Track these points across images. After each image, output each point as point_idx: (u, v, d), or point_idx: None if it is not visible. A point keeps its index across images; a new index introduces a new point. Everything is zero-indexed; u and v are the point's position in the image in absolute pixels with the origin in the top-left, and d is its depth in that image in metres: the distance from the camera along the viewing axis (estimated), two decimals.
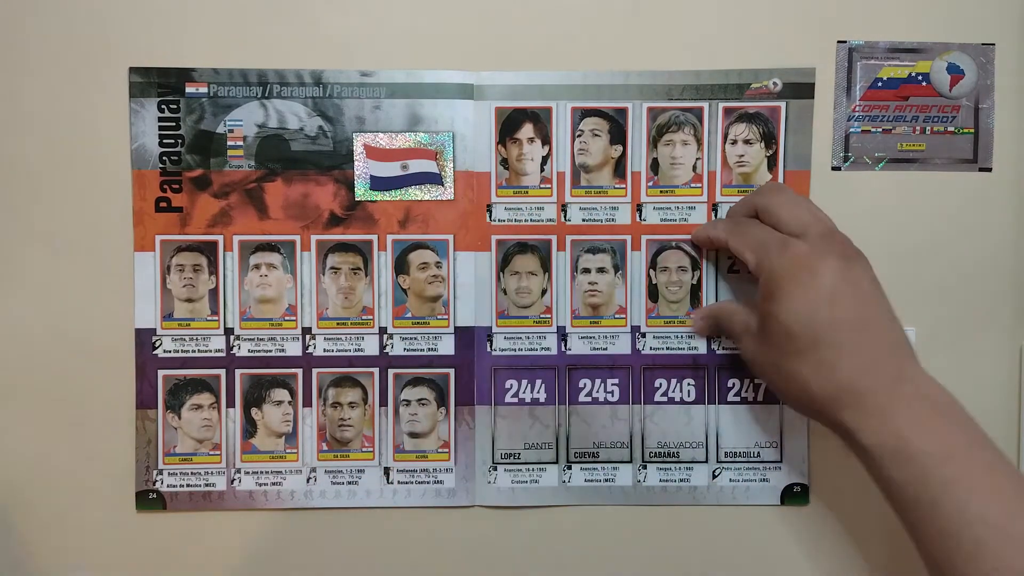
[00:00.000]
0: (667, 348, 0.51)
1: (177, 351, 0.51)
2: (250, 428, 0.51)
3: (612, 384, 0.51)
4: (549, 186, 0.51)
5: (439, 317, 0.51)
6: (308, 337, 0.51)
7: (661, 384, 0.51)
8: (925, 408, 0.40)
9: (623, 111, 0.51)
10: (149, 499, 0.51)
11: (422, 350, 0.51)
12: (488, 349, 0.51)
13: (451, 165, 0.51)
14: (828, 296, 0.41)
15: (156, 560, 0.51)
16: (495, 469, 0.51)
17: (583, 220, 0.51)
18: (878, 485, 0.41)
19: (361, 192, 0.51)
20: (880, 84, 0.51)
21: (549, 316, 0.51)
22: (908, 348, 0.42)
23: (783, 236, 0.43)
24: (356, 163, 0.51)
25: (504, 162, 0.51)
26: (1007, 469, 0.38)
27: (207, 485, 0.51)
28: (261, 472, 0.51)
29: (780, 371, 0.43)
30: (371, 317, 0.51)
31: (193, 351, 0.51)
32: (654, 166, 0.51)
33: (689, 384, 0.52)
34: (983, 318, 0.52)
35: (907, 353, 0.42)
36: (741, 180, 0.51)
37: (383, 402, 0.51)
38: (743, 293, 0.51)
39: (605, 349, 0.51)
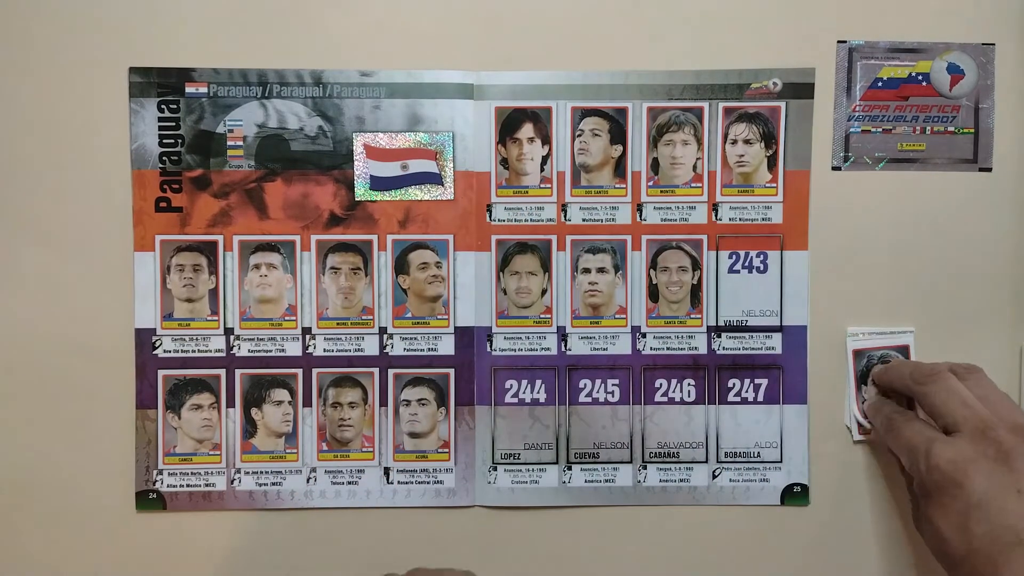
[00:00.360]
0: (667, 348, 0.51)
1: (177, 351, 0.51)
2: (250, 428, 0.51)
3: (612, 384, 0.51)
4: (549, 186, 0.51)
5: (439, 317, 0.51)
6: (308, 337, 0.51)
7: (661, 384, 0.51)
8: None
9: (623, 111, 0.51)
10: (149, 499, 0.51)
11: (422, 350, 0.51)
12: (488, 349, 0.51)
13: (451, 165, 0.51)
14: (978, 506, 0.39)
15: (156, 560, 0.51)
16: (495, 469, 0.51)
17: (583, 220, 0.51)
18: None
19: (361, 192, 0.51)
20: (880, 84, 0.51)
21: (549, 316, 0.51)
22: None
23: (929, 438, 0.42)
24: (356, 163, 0.51)
25: (504, 162, 0.51)
26: None
27: (207, 485, 0.51)
28: (261, 472, 0.51)
29: (937, 555, 0.43)
30: (371, 317, 0.51)
31: (193, 351, 0.51)
32: (654, 166, 0.51)
33: (689, 384, 0.52)
34: (983, 318, 0.52)
35: None
36: (741, 180, 0.51)
37: (383, 402, 0.51)
38: (750, 293, 0.51)
39: (605, 349, 0.51)
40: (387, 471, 0.51)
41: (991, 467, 0.40)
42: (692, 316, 0.51)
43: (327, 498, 0.51)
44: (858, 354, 0.51)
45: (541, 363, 0.51)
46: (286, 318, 0.51)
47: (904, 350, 0.51)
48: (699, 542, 0.52)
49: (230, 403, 0.51)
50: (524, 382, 0.51)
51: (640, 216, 0.51)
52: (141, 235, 0.50)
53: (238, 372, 0.51)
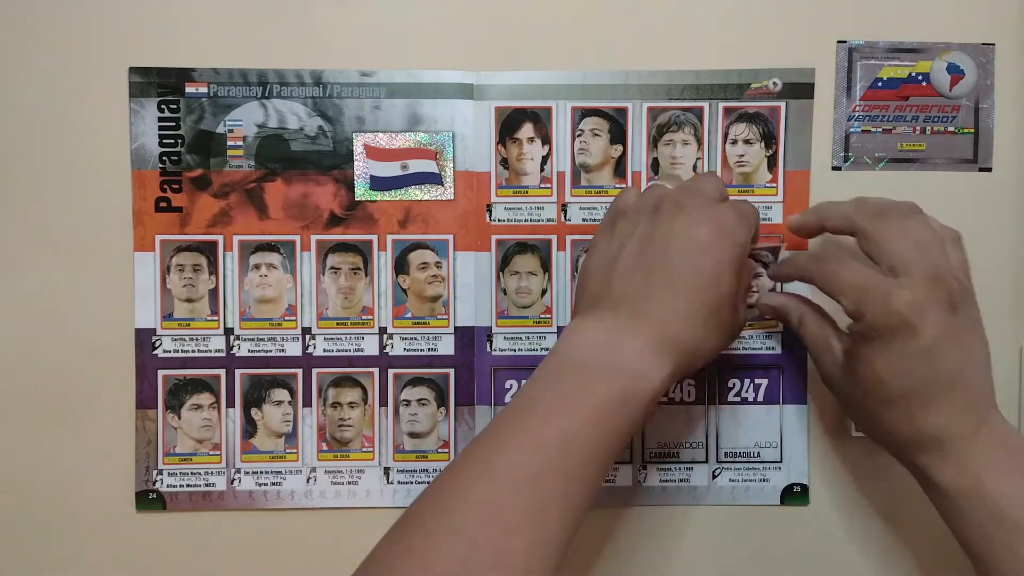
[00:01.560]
0: None
1: (177, 351, 0.51)
2: (250, 428, 0.51)
3: None
4: (549, 186, 0.51)
5: (439, 317, 0.51)
6: (308, 337, 0.51)
7: None
8: (1005, 455, 0.41)
9: (623, 111, 0.51)
10: (149, 499, 0.51)
11: (422, 350, 0.51)
12: (488, 349, 0.51)
13: (451, 165, 0.51)
14: (926, 353, 0.40)
15: (156, 560, 0.51)
16: None
17: (583, 220, 0.51)
18: (947, 520, 0.42)
19: (361, 192, 0.51)
20: (880, 84, 0.51)
21: (549, 316, 0.51)
22: (993, 397, 0.42)
23: (885, 282, 0.41)
24: (356, 163, 0.51)
25: (504, 162, 0.51)
26: None
27: (207, 485, 0.51)
28: (261, 472, 0.51)
29: (859, 409, 0.43)
30: (371, 317, 0.51)
31: (193, 351, 0.51)
32: (654, 166, 0.51)
33: (689, 384, 0.52)
34: (983, 318, 0.51)
35: (991, 402, 0.42)
36: (741, 180, 0.51)
37: (383, 402, 0.51)
38: None
39: None
40: (387, 471, 0.51)
41: (942, 315, 0.40)
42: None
43: (327, 498, 0.51)
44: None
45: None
46: (286, 318, 0.51)
47: None
48: (699, 542, 0.52)
49: (230, 403, 0.51)
50: (524, 382, 0.51)
51: None
52: (141, 235, 0.50)
53: (238, 372, 0.51)
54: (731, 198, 0.44)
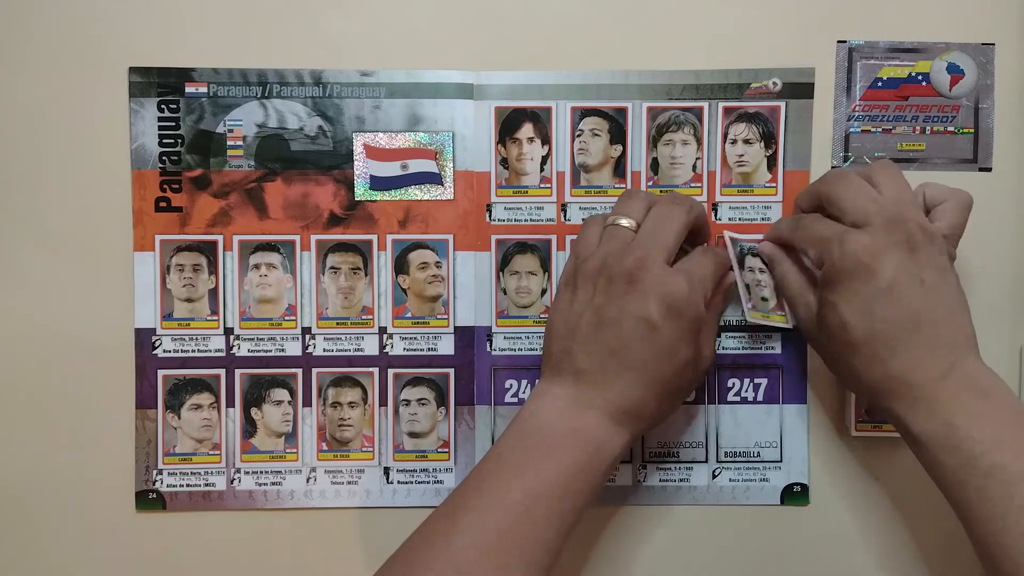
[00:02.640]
0: None
1: (177, 351, 0.51)
2: (250, 428, 0.51)
3: None
4: (549, 186, 0.51)
5: (439, 317, 0.51)
6: (308, 337, 0.51)
7: None
8: (975, 398, 0.40)
9: (623, 111, 0.51)
10: (149, 499, 0.51)
11: (422, 350, 0.51)
12: (488, 349, 0.51)
13: (451, 165, 0.51)
14: (885, 292, 0.41)
15: (156, 560, 0.51)
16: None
17: (583, 220, 0.51)
18: (927, 470, 0.42)
19: (361, 192, 0.51)
20: (880, 84, 0.51)
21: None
22: (965, 339, 0.42)
23: (843, 228, 0.43)
24: (356, 163, 0.51)
25: (504, 162, 0.51)
26: None
27: (207, 485, 0.51)
28: (261, 472, 0.51)
29: (834, 357, 0.44)
30: (371, 317, 0.51)
31: (193, 351, 0.51)
32: (654, 166, 0.51)
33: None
34: (983, 318, 0.51)
35: (963, 344, 0.42)
36: (741, 180, 0.51)
37: (383, 402, 0.51)
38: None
39: None
40: (387, 471, 0.51)
41: (900, 256, 0.41)
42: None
43: (327, 498, 0.51)
44: (733, 242, 0.50)
45: (541, 363, 0.51)
46: (286, 318, 0.51)
47: None
48: (699, 542, 0.52)
49: (230, 403, 0.51)
50: (524, 382, 0.51)
51: None
52: (141, 235, 0.50)
53: (238, 372, 0.51)
54: (688, 200, 0.46)
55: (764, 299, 0.50)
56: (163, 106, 0.50)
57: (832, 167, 0.51)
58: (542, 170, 0.51)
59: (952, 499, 0.41)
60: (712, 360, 0.46)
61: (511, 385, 0.51)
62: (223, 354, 0.51)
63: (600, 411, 0.42)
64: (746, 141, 0.51)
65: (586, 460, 0.41)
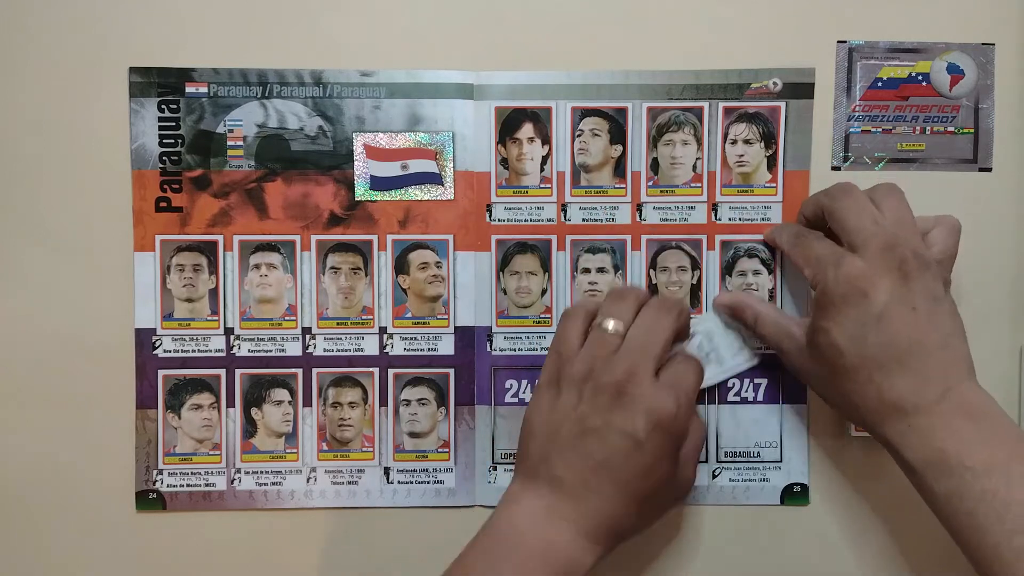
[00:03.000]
0: None
1: (177, 351, 0.51)
2: (250, 428, 0.51)
3: None
4: (549, 186, 0.51)
5: (439, 317, 0.51)
6: (308, 337, 0.51)
7: None
8: (968, 424, 0.40)
9: (623, 111, 0.51)
10: (149, 499, 0.51)
11: (422, 350, 0.51)
12: (488, 349, 0.51)
13: (451, 165, 0.51)
14: (878, 319, 0.41)
15: (156, 560, 0.51)
16: (495, 469, 0.51)
17: (583, 220, 0.51)
18: (920, 494, 0.42)
19: (361, 192, 0.51)
20: (880, 84, 0.51)
21: (549, 316, 0.51)
22: (960, 365, 0.42)
23: (840, 252, 0.43)
24: (356, 163, 0.51)
25: (504, 162, 0.51)
26: None
27: (207, 485, 0.51)
28: (261, 472, 0.51)
29: (828, 384, 0.44)
30: (371, 317, 0.51)
31: (193, 351, 0.51)
32: (654, 166, 0.51)
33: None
34: (983, 318, 0.52)
35: (958, 369, 0.42)
36: (741, 180, 0.51)
37: (383, 402, 0.51)
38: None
39: None
40: (387, 471, 0.51)
41: (894, 283, 0.41)
42: (692, 316, 0.51)
43: (327, 498, 0.51)
44: (724, 245, 0.50)
45: (541, 363, 0.51)
46: (286, 318, 0.51)
47: None
48: (699, 542, 0.52)
49: (230, 403, 0.51)
50: (524, 382, 0.51)
51: (640, 216, 0.51)
52: (141, 235, 0.50)
53: (238, 372, 0.51)
54: (671, 303, 0.45)
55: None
56: (163, 106, 0.50)
57: (832, 167, 0.51)
58: (542, 170, 0.51)
59: (945, 523, 0.41)
60: (693, 483, 0.46)
61: (511, 385, 0.51)
62: (223, 354, 0.51)
63: (575, 526, 0.41)
64: (746, 141, 0.51)
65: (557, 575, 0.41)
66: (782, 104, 0.51)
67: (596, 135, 0.51)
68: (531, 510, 0.42)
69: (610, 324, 0.44)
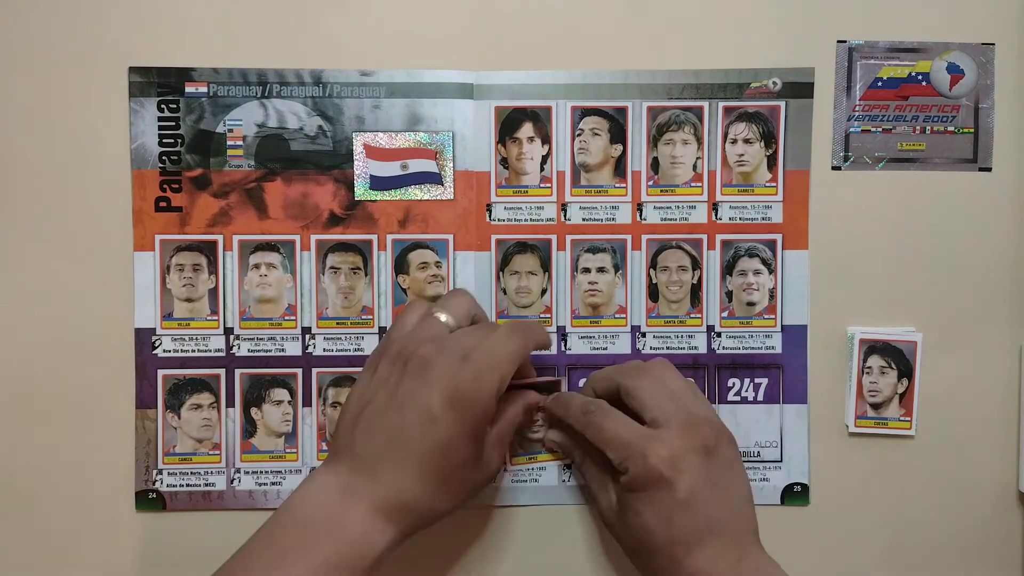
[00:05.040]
0: (667, 348, 0.51)
1: (177, 351, 0.51)
2: (250, 428, 0.51)
3: None
4: (549, 185, 0.51)
5: None
6: (308, 337, 0.51)
7: None
8: None
9: (623, 110, 0.51)
10: (149, 499, 0.51)
11: None
12: None
13: (451, 165, 0.51)
14: (683, 502, 0.42)
15: (156, 560, 0.51)
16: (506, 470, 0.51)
17: (583, 219, 0.51)
18: None
19: (361, 192, 0.51)
20: (880, 84, 0.51)
21: (549, 316, 0.51)
22: (749, 531, 0.44)
23: (644, 438, 0.43)
24: (356, 163, 0.51)
25: (504, 161, 0.51)
26: None
27: (207, 485, 0.51)
28: (261, 472, 0.51)
29: (631, 550, 0.45)
30: (371, 317, 0.51)
31: (193, 351, 0.51)
32: (654, 165, 0.51)
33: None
34: (983, 318, 0.52)
35: (748, 537, 0.43)
36: (741, 179, 0.51)
37: None
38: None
39: (605, 349, 0.51)
40: None
41: (698, 462, 0.42)
42: (692, 316, 0.51)
43: None
44: (725, 244, 0.50)
45: (541, 362, 0.51)
46: (286, 318, 0.51)
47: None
48: None
49: (230, 403, 0.51)
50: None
51: (640, 216, 0.51)
52: (141, 235, 0.50)
53: (238, 372, 0.51)
54: (510, 323, 0.45)
55: (751, 304, 0.51)
56: (163, 106, 0.50)
57: (832, 167, 0.51)
58: (542, 170, 0.51)
59: None
60: (501, 467, 0.46)
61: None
62: (223, 354, 0.51)
63: (367, 503, 0.40)
64: (746, 141, 0.51)
65: (338, 559, 0.39)
66: (782, 104, 0.51)
67: (596, 134, 0.51)
68: (325, 487, 0.41)
69: (442, 316, 0.45)
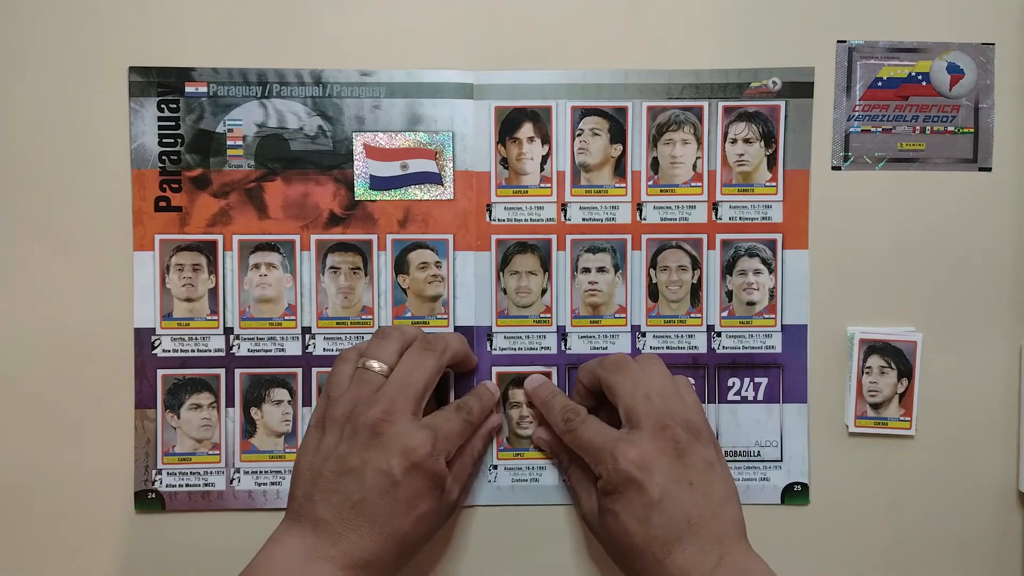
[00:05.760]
0: (667, 347, 0.51)
1: (176, 351, 0.51)
2: (249, 428, 0.51)
3: None
4: (549, 185, 0.51)
5: (439, 317, 0.51)
6: (308, 337, 0.51)
7: None
8: None
9: (623, 110, 0.51)
10: (148, 499, 0.51)
11: None
12: (488, 348, 0.51)
13: (451, 165, 0.51)
14: (658, 503, 0.42)
15: (156, 560, 0.51)
16: (495, 468, 0.51)
17: (583, 219, 0.51)
18: None
19: (361, 192, 0.51)
20: (880, 84, 0.51)
21: (549, 316, 0.51)
22: (734, 529, 0.43)
23: (612, 440, 0.44)
24: (356, 163, 0.51)
25: (504, 161, 0.51)
26: None
27: (206, 485, 0.51)
28: (260, 472, 0.51)
29: (614, 552, 0.45)
30: (371, 317, 0.51)
31: (192, 351, 0.51)
32: (654, 165, 0.51)
33: (689, 383, 0.51)
34: (983, 318, 0.52)
35: (732, 534, 0.43)
36: (741, 179, 0.51)
37: None
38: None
39: (605, 348, 0.51)
40: None
41: (669, 463, 0.43)
42: (692, 315, 0.51)
43: None
44: (725, 244, 0.50)
45: (541, 362, 0.51)
46: (286, 318, 0.51)
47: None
48: None
49: (229, 403, 0.51)
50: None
51: (640, 215, 0.51)
52: (141, 235, 0.50)
53: (237, 371, 0.51)
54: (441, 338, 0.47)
55: (751, 303, 0.51)
56: (163, 106, 0.50)
57: (832, 167, 0.51)
58: (542, 170, 0.51)
59: None
60: (461, 501, 0.48)
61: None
62: (223, 354, 0.51)
63: (333, 564, 0.41)
64: (746, 140, 0.51)
65: None
66: (781, 103, 0.51)
67: (596, 134, 0.51)
68: (291, 549, 0.42)
69: (374, 364, 0.45)
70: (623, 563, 0.45)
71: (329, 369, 0.51)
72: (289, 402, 0.51)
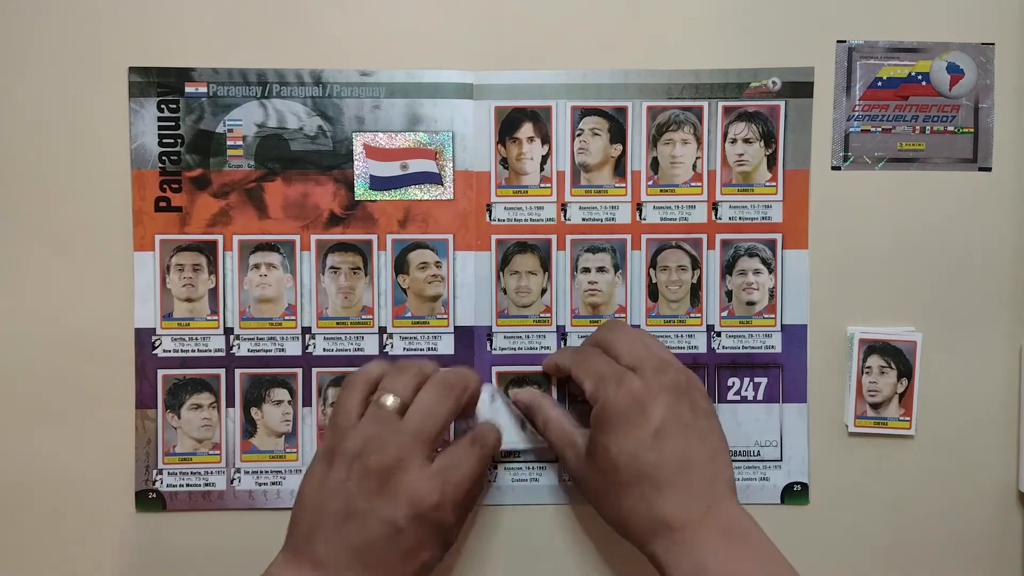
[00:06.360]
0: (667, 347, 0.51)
1: (177, 351, 0.51)
2: (250, 428, 0.51)
3: None
4: (549, 185, 0.51)
5: (439, 317, 0.51)
6: (308, 337, 0.51)
7: None
8: (727, 541, 0.42)
9: (623, 110, 0.51)
10: (149, 499, 0.51)
11: (422, 349, 0.51)
12: (488, 348, 0.51)
13: (451, 165, 0.51)
14: (654, 435, 0.42)
15: (156, 560, 0.51)
16: (495, 468, 0.51)
17: (583, 219, 0.51)
18: None
19: (361, 192, 0.51)
20: (880, 84, 0.51)
21: (549, 315, 0.51)
22: (723, 480, 0.43)
23: (621, 370, 0.44)
24: (356, 163, 0.51)
25: (504, 161, 0.51)
26: None
27: (207, 485, 0.51)
28: (261, 472, 0.51)
29: (602, 497, 0.45)
30: (371, 317, 0.51)
31: (193, 351, 0.51)
32: (654, 165, 0.51)
33: None
34: (983, 318, 0.52)
35: (721, 486, 0.43)
36: (741, 179, 0.51)
37: None
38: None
39: None
40: None
41: (670, 399, 0.43)
42: (692, 315, 0.51)
43: None
44: (725, 244, 0.51)
45: (541, 362, 0.51)
46: (286, 318, 0.51)
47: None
48: None
49: (230, 403, 0.51)
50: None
51: (640, 215, 0.51)
52: (141, 235, 0.50)
53: (238, 372, 0.51)
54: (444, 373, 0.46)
55: (751, 303, 0.51)
56: (163, 106, 0.50)
57: (832, 167, 0.51)
58: (542, 170, 0.51)
59: None
60: (457, 534, 0.46)
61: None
62: (223, 354, 0.51)
63: None
64: (746, 140, 0.51)
65: None
66: (781, 103, 0.51)
67: (596, 134, 0.51)
68: None
69: (388, 400, 0.44)
70: (609, 507, 0.44)
71: (329, 369, 0.51)
72: (289, 402, 0.51)
